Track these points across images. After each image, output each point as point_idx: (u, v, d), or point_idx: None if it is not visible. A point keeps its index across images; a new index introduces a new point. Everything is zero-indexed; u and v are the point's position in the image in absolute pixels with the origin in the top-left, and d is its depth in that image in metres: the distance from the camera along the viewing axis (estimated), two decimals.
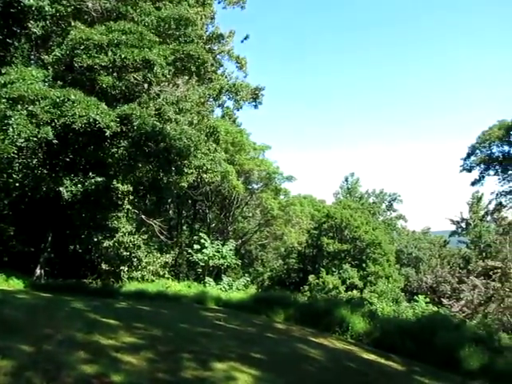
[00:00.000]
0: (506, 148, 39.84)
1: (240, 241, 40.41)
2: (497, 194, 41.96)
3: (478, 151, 40.85)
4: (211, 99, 28.60)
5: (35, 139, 15.57)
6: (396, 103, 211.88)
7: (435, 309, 19.34)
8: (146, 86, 18.94)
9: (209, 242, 24.13)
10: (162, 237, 24.31)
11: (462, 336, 9.77)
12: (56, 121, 15.70)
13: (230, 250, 24.47)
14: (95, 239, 19.60)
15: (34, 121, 15.48)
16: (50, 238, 19.31)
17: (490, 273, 21.55)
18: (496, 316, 20.85)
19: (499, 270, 20.66)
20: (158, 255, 22.16)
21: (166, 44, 18.73)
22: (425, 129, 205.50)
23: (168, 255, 23.23)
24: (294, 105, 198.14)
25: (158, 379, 5.46)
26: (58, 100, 15.85)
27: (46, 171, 18.25)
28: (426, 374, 8.06)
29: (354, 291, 46.73)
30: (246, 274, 29.80)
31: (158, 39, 18.08)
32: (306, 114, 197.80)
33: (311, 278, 49.26)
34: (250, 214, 42.91)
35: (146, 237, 21.37)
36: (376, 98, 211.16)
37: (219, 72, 29.64)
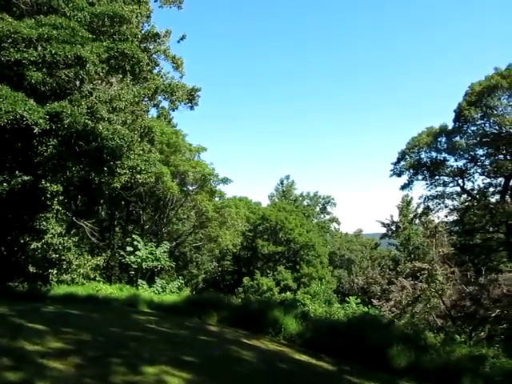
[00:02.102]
0: (434, 154, 41.65)
1: (174, 243, 40.02)
2: (425, 198, 43.72)
3: (407, 156, 42.40)
4: (146, 99, 28.09)
5: None
6: (330, 108, 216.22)
7: (366, 309, 19.84)
8: (77, 83, 18.37)
9: (142, 243, 23.70)
10: (93, 239, 23.65)
11: (391, 335, 10.04)
12: None
13: (164, 252, 24.14)
14: (22, 241, 18.80)
15: None
16: None
17: (418, 274, 22.26)
18: (423, 316, 21.59)
19: (426, 272, 21.38)
20: (89, 257, 21.52)
21: (99, 41, 18.22)
22: (358, 133, 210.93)
23: (99, 257, 22.61)
24: (231, 107, 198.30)
25: None
26: None
27: None
28: (356, 373, 8.25)
29: (288, 293, 47.40)
30: (180, 277, 29.44)
31: (91, 36, 17.56)
32: (243, 116, 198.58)
33: (246, 279, 49.56)
34: (185, 216, 42.53)
35: (76, 239, 20.70)
36: (312, 103, 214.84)
37: (155, 72, 29.19)
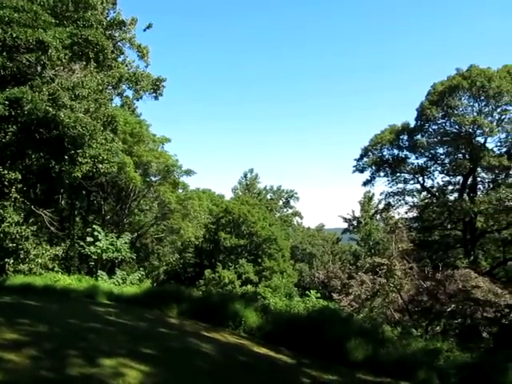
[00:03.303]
0: (396, 151, 42.29)
1: (136, 234, 39.64)
2: (386, 195, 44.41)
3: (370, 153, 42.93)
4: (110, 87, 27.62)
5: None
6: (294, 103, 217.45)
7: (325, 303, 20.03)
8: (39, 68, 17.94)
9: (103, 234, 23.32)
10: (52, 228, 23.21)
11: (349, 329, 10.15)
12: None
13: (125, 243, 23.83)
14: None
15: None
16: None
17: (377, 269, 22.62)
18: (381, 310, 21.99)
19: (385, 267, 21.75)
20: (48, 247, 21.12)
21: (62, 26, 17.86)
22: (322, 129, 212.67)
23: (58, 247, 22.21)
24: (196, 99, 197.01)
25: (41, 377, 5.19)
26: None
27: None
28: (315, 366, 8.32)
29: (249, 286, 47.52)
30: (141, 268, 29.18)
31: (54, 20, 17.20)
32: (207, 108, 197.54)
33: (207, 272, 49.42)
34: (147, 207, 42.20)
35: (34, 228, 20.29)
36: (277, 98, 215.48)
37: (119, 60, 28.74)
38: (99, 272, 21.41)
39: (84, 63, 19.84)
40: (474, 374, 8.51)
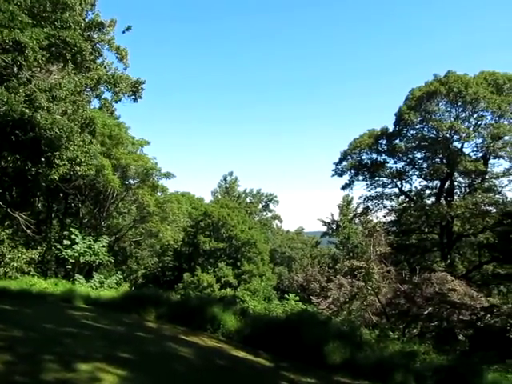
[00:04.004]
0: (374, 156, 42.63)
1: (114, 237, 39.27)
2: (364, 199, 44.68)
3: (349, 157, 43.23)
4: (88, 89, 27.39)
5: None
6: (273, 106, 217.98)
7: (304, 306, 20.08)
8: (15, 69, 17.67)
9: (80, 237, 23.07)
10: (28, 231, 22.93)
11: (328, 332, 10.20)
12: None
13: (103, 246, 23.62)
14: None
15: None
16: None
17: (355, 272, 22.76)
18: (359, 313, 22.13)
19: (363, 270, 21.90)
20: (24, 251, 20.87)
21: (40, 27, 17.61)
22: (302, 133, 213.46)
23: (35, 251, 21.97)
24: (176, 102, 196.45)
25: (16, 383, 5.12)
26: None
27: None
28: (293, 370, 8.34)
29: (228, 289, 47.50)
30: (119, 272, 28.88)
31: (31, 21, 16.95)
32: (187, 111, 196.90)
33: (186, 276, 49.26)
34: (126, 210, 41.82)
35: (10, 231, 20.03)
36: (256, 100, 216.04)
37: (98, 62, 28.47)
38: (76, 276, 21.18)
39: (62, 64, 19.62)
40: (449, 377, 8.61)
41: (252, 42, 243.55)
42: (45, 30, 17.65)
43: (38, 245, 25.41)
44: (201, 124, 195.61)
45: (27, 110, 17.37)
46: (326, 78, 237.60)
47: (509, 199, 37.00)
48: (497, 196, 37.38)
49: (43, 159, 18.55)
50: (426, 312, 20.27)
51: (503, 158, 37.74)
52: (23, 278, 19.13)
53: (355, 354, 9.38)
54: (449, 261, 36.25)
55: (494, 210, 36.53)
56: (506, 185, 38.14)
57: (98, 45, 27.29)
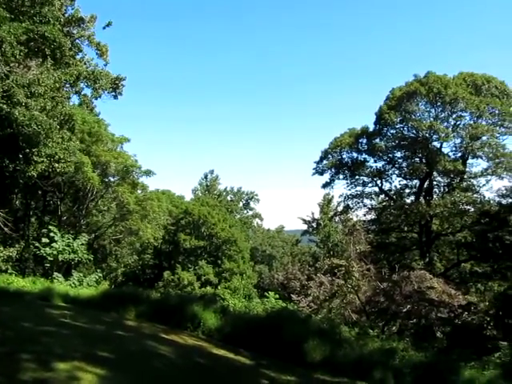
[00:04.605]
0: (355, 155, 42.86)
1: (93, 235, 39.01)
2: (345, 197, 44.86)
3: (329, 156, 43.39)
4: (68, 85, 27.02)
5: None
6: (255, 104, 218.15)
7: (284, 304, 20.11)
8: None
9: (59, 235, 22.81)
10: (6, 229, 22.61)
11: (307, 330, 10.22)
12: None
13: (82, 244, 23.39)
14: None
15: None
16: None
17: (336, 270, 22.83)
18: (339, 311, 22.22)
19: (343, 268, 21.99)
20: (1, 248, 20.62)
21: (18, 22, 17.35)
22: (283, 132, 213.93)
23: (12, 249, 21.70)
24: (157, 99, 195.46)
25: None
26: None
27: None
28: (273, 367, 8.35)
29: (209, 287, 47.43)
30: (99, 270, 28.65)
31: (9, 15, 16.71)
32: (168, 109, 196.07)
33: (166, 274, 49.08)
34: (105, 208, 41.53)
35: None
36: (237, 99, 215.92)
37: (78, 57, 28.14)
38: (55, 274, 20.94)
39: (40, 60, 19.34)
40: (428, 373, 8.70)
41: (233, 38, 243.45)
42: (23, 24, 17.39)
43: (16, 243, 25.07)
44: (182, 122, 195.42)
45: (5, 106, 17.13)
46: (309, 77, 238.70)
47: (486, 199, 37.50)
48: (475, 195, 37.83)
49: (21, 156, 18.32)
50: (404, 310, 20.43)
51: (481, 158, 38.21)
52: (0, 276, 18.83)
53: (335, 351, 9.42)
54: (427, 259, 36.64)
55: (472, 210, 37.02)
56: (484, 184, 38.69)
57: (77, 40, 26.98)
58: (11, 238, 24.50)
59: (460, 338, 19.01)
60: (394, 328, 21.05)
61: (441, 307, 20.56)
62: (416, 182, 41.31)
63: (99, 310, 11.31)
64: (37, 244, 23.72)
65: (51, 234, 22.33)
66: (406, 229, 41.82)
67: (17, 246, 23.81)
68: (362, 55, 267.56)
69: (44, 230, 25.85)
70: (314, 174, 44.28)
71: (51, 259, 22.43)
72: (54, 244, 21.98)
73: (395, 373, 8.83)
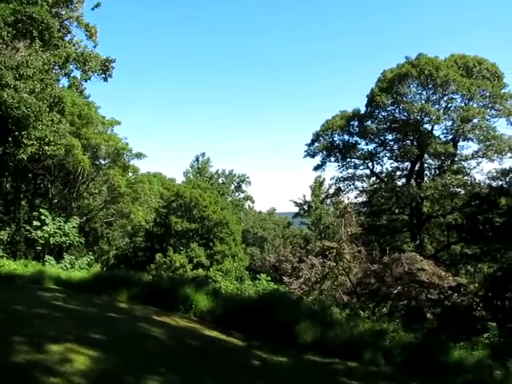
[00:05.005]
0: (346, 137, 42.98)
1: (85, 218, 38.89)
2: (336, 180, 45.00)
3: (321, 138, 43.45)
4: (57, 67, 26.68)
5: None
6: (246, 87, 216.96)
7: (276, 286, 20.23)
8: None
9: (50, 218, 22.71)
10: None
11: (299, 311, 10.31)
12: None
13: (73, 227, 23.31)
14: None
15: None
16: None
17: (327, 253, 22.91)
18: (330, 292, 22.38)
19: (334, 250, 22.08)
20: None
21: (5, 3, 17.09)
22: (274, 114, 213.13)
23: (3, 232, 21.62)
24: (147, 81, 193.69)
25: None
26: None
27: None
28: (264, 349, 8.44)
29: (201, 270, 47.66)
30: (90, 253, 28.60)
31: None
32: (158, 91, 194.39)
33: (158, 256, 49.23)
34: (97, 191, 41.30)
35: None
36: (228, 81, 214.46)
37: (66, 39, 27.75)
38: (46, 257, 20.91)
39: (28, 41, 19.09)
40: (417, 354, 8.81)
41: (226, 18, 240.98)
42: (10, 5, 17.12)
43: (7, 226, 24.99)
44: (172, 104, 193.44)
45: None
46: (301, 59, 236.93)
47: (477, 181, 37.78)
48: (465, 178, 38.08)
49: (10, 139, 18.19)
50: (395, 291, 20.61)
51: (472, 141, 38.42)
52: None
53: (326, 332, 9.52)
54: (418, 241, 36.93)
55: (463, 192, 37.33)
56: (475, 167, 38.97)
57: (66, 22, 26.54)
58: (2, 221, 24.45)
59: (450, 319, 19.26)
60: (384, 309, 21.27)
61: (431, 289, 20.76)
62: (407, 164, 41.53)
63: (91, 292, 11.33)
64: (28, 227, 23.67)
65: (42, 217, 22.25)
66: (396, 211, 42.12)
67: (8, 229, 23.73)
68: (354, 37, 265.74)
69: (35, 213, 25.76)
70: (305, 156, 44.37)
71: (42, 242, 22.37)
72: (45, 227, 21.91)
73: (385, 353, 8.94)
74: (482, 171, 38.44)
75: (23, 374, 5.01)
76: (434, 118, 36.97)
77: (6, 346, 5.76)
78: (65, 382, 4.97)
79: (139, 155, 38.91)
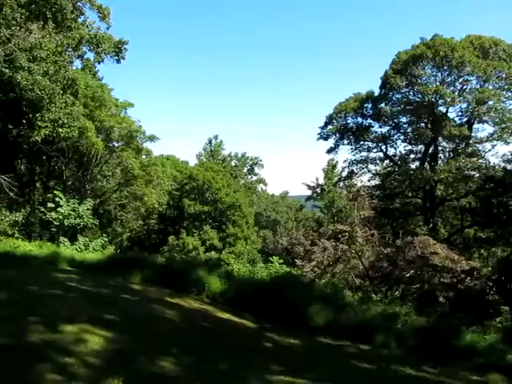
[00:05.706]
0: (360, 120, 42.53)
1: (98, 200, 39.10)
2: (349, 163, 44.70)
3: (334, 121, 43.06)
4: (70, 49, 26.65)
5: None
6: (260, 70, 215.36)
7: (288, 269, 20.24)
8: None
9: (64, 200, 22.92)
10: (11, 194, 22.71)
11: (311, 294, 10.35)
12: None
13: (87, 209, 23.51)
14: None
15: None
16: None
17: (339, 236, 22.83)
18: (342, 276, 22.36)
19: (347, 234, 22.00)
20: (7, 213, 20.72)
21: None
22: (287, 95, 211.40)
23: (18, 213, 21.82)
24: (160, 63, 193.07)
25: (1, 344, 5.13)
26: None
27: None
28: (276, 331, 8.49)
29: (213, 252, 47.80)
30: (104, 235, 28.93)
31: None
32: (172, 73, 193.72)
33: (171, 239, 49.43)
34: (110, 173, 41.52)
35: None
36: (242, 64, 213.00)
37: (79, 21, 27.68)
38: (61, 238, 21.14)
39: (42, 23, 19.05)
40: (429, 337, 8.82)
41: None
42: None
43: (22, 207, 25.20)
44: (185, 86, 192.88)
45: (7, 70, 16.98)
46: (313, 38, 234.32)
47: (491, 164, 37.41)
48: (480, 161, 37.68)
49: (24, 121, 18.26)
50: (408, 275, 20.53)
51: (487, 123, 37.96)
52: (7, 240, 19.01)
53: (338, 315, 9.55)
54: (431, 225, 36.75)
55: (477, 175, 36.94)
56: (489, 150, 38.48)
57: (79, 3, 26.45)
58: (17, 203, 24.64)
59: (462, 303, 19.17)
60: (396, 293, 21.22)
61: (444, 272, 20.66)
62: (421, 147, 41.08)
63: (105, 274, 11.46)
64: (42, 209, 23.88)
65: (56, 199, 22.45)
66: (410, 194, 41.80)
67: (23, 210, 23.94)
68: (368, 16, 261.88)
69: (49, 195, 25.99)
70: (318, 139, 44.05)
71: (57, 224, 22.60)
72: (59, 209, 22.11)
73: (397, 337, 8.96)
74: (497, 154, 38.05)
75: (38, 354, 5.08)
76: (448, 100, 36.47)
77: (22, 325, 5.85)
78: (79, 362, 5.04)
79: (152, 138, 39.01)
